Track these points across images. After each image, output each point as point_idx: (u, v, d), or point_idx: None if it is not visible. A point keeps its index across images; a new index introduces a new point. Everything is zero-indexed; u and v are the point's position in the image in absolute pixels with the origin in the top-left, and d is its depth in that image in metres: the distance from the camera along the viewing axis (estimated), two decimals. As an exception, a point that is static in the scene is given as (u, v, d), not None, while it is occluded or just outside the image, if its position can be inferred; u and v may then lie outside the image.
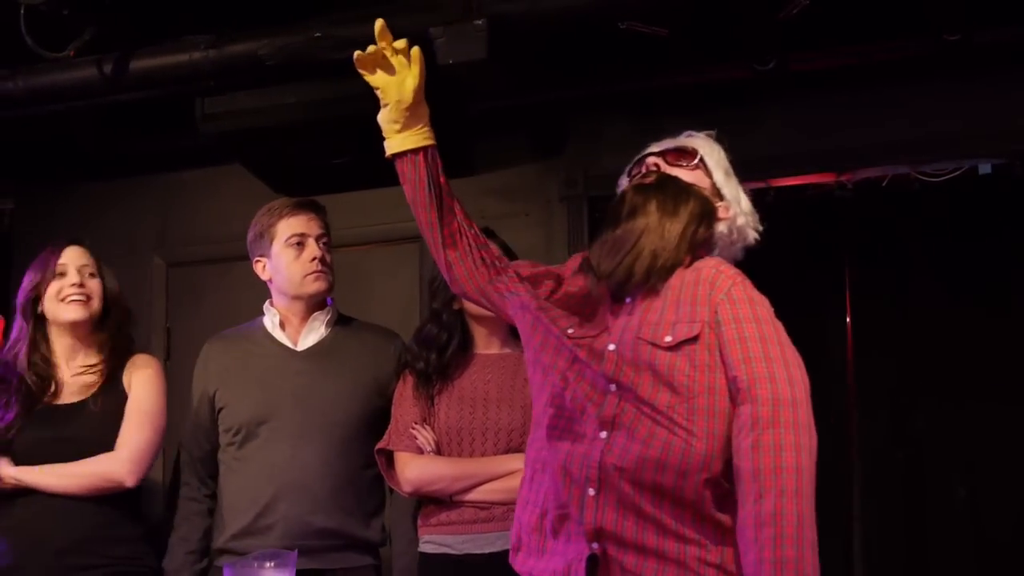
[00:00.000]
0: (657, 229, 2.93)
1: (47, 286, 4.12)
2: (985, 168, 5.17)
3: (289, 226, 4.14)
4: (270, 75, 4.79)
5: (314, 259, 4.11)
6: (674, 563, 2.71)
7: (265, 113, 5.05)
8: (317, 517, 3.96)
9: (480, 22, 4.40)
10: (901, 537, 5.49)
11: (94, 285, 4.18)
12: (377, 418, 4.08)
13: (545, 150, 5.59)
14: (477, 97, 5.19)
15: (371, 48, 2.94)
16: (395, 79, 2.97)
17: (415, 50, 2.96)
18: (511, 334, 4.06)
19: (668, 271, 2.91)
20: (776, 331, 2.80)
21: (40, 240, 4.54)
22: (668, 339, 2.81)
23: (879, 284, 5.51)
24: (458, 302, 3.99)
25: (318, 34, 4.61)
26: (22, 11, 4.46)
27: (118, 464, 4.02)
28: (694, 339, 2.79)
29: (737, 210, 3.09)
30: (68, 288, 4.11)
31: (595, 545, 2.76)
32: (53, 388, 4.10)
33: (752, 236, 3.12)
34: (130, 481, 4.03)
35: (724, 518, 2.74)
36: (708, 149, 3.15)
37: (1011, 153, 5.03)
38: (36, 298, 4.13)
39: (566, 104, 5.51)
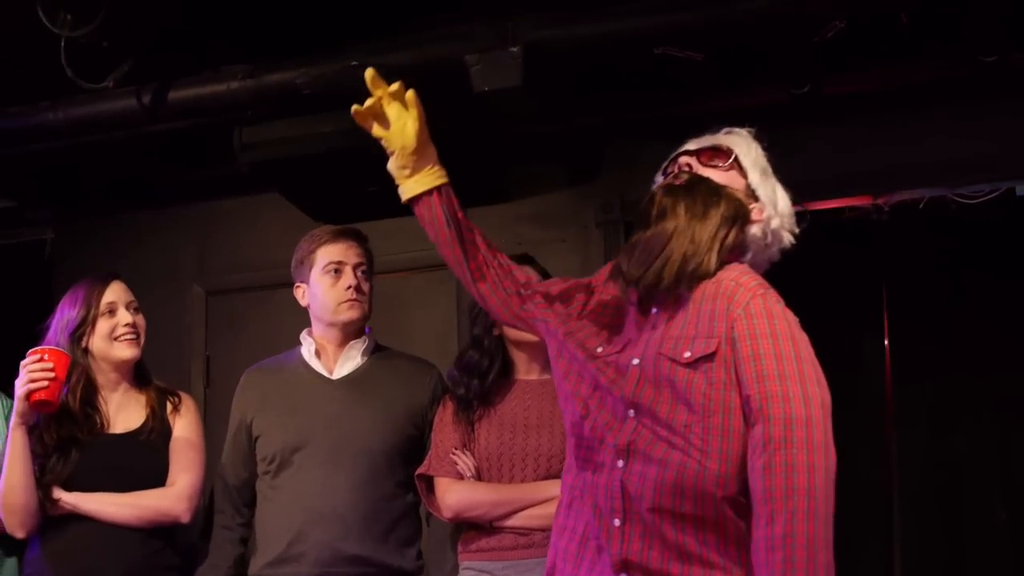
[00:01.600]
0: (686, 232, 2.82)
1: (95, 323, 4.12)
2: (1022, 190, 5.15)
3: (327, 253, 4.15)
4: (307, 104, 4.83)
5: (349, 287, 4.11)
6: None
7: (302, 142, 5.08)
8: (348, 544, 3.96)
9: (515, 49, 4.42)
10: (941, 560, 5.47)
11: (140, 321, 4.19)
12: (411, 447, 4.09)
13: (581, 176, 5.60)
14: (513, 123, 5.21)
15: (368, 101, 2.93)
16: (396, 126, 2.96)
17: (410, 93, 2.93)
18: (551, 360, 4.07)
19: (699, 278, 2.80)
20: (795, 346, 2.68)
21: (80, 269, 4.58)
22: (687, 355, 2.71)
23: (917, 306, 5.50)
24: (498, 328, 4.00)
25: (354, 63, 4.64)
26: (63, 43, 4.51)
27: (176, 501, 4.05)
28: (711, 356, 2.69)
29: (772, 212, 2.94)
30: (122, 328, 4.12)
31: None
32: (100, 419, 4.11)
33: (787, 239, 2.98)
34: (186, 517, 4.07)
35: (748, 539, 2.64)
36: (745, 148, 3.01)
37: (1049, 174, 5.01)
38: (82, 335, 4.13)
39: (602, 130, 5.52)
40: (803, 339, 2.72)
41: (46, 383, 3.86)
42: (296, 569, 3.94)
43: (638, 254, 2.86)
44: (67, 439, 4.03)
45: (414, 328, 5.53)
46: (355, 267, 4.15)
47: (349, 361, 4.18)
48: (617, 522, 2.71)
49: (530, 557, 3.78)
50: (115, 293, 4.16)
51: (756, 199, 2.95)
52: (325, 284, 4.13)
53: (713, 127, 3.09)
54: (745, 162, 2.98)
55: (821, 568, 2.47)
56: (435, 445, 3.98)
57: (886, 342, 5.68)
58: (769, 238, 2.96)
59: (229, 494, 4.17)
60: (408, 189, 3.04)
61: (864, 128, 5.08)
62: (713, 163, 2.98)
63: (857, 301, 5.56)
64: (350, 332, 4.18)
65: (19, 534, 4.02)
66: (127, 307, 4.16)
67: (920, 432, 5.66)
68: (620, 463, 2.72)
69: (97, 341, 4.12)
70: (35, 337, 4.15)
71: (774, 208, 2.96)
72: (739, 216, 2.90)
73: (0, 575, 4.28)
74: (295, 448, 4.05)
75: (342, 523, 3.96)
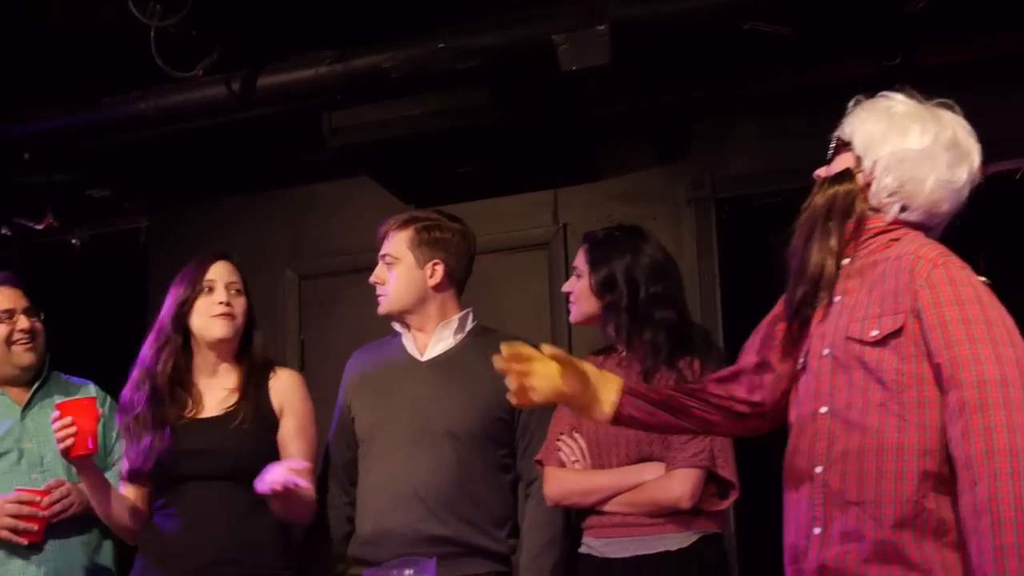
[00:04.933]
0: (801, 259, 2.93)
1: (195, 301, 4.13)
2: (1124, 156, 5.05)
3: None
4: (395, 87, 4.84)
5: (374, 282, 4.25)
6: None
7: (391, 125, 5.08)
8: (430, 525, 3.98)
9: (602, 27, 4.40)
10: None
11: (240, 303, 4.18)
12: (497, 428, 4.09)
13: (671, 153, 5.57)
14: (601, 102, 5.19)
15: (512, 385, 3.03)
16: (545, 375, 3.02)
17: (546, 347, 3.01)
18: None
19: (828, 280, 2.89)
20: (982, 310, 2.67)
21: (175, 257, 4.60)
22: (874, 333, 2.75)
23: (1016, 277, 5.41)
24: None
25: (441, 45, 4.65)
26: (152, 33, 4.55)
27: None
28: (898, 331, 2.72)
29: (881, 166, 2.91)
30: (216, 305, 4.11)
31: None
32: (192, 402, 4.13)
33: (928, 178, 2.92)
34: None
35: (947, 533, 2.64)
36: (860, 119, 3.00)
37: None
38: (184, 313, 4.14)
39: (691, 106, 5.48)
40: (992, 302, 2.72)
41: (72, 440, 3.90)
42: (381, 550, 4.00)
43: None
44: (159, 422, 4.06)
45: (508, 309, 5.53)
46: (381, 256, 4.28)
47: (441, 342, 4.19)
48: (817, 530, 2.75)
49: (625, 535, 3.83)
50: (216, 272, 4.17)
51: (861, 167, 2.95)
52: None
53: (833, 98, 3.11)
54: (856, 138, 2.98)
55: None
56: (549, 431, 4.02)
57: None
58: (894, 189, 2.91)
59: (336, 473, 4.23)
60: (601, 413, 3.07)
61: (958, 98, 4.94)
62: (835, 157, 3.04)
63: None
64: (440, 315, 4.22)
65: (130, 542, 4.20)
66: (227, 287, 4.16)
67: None
68: (819, 469, 2.77)
69: (195, 319, 4.13)
70: (135, 325, 4.17)
71: (887, 165, 2.91)
72: (835, 206, 2.93)
73: (99, 557, 4.35)
74: (380, 429, 4.10)
75: (425, 505, 3.98)
